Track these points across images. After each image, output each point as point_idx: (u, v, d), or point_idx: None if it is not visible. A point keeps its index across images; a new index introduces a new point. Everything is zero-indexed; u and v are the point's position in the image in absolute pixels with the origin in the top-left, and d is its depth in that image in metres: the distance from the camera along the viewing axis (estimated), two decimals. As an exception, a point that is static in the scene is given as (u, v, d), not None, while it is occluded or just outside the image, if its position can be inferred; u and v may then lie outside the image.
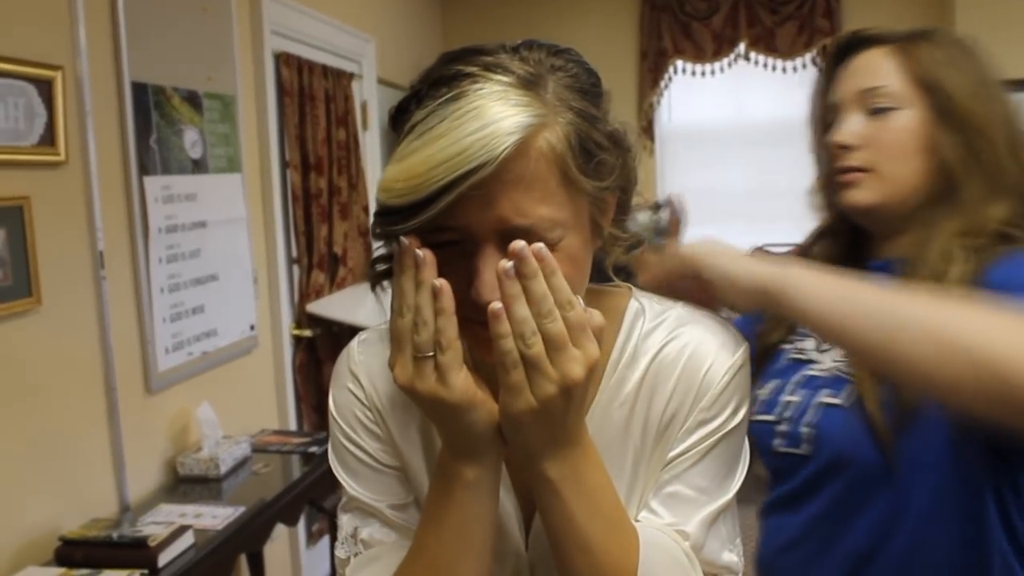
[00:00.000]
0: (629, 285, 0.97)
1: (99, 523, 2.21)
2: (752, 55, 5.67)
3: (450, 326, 0.77)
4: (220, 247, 2.99)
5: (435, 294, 0.77)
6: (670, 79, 5.70)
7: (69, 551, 2.09)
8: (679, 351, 0.91)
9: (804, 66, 5.68)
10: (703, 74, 5.70)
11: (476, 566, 0.86)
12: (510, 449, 0.84)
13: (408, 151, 0.77)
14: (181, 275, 2.76)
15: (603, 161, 0.83)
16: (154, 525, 2.18)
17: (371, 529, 0.94)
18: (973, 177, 1.20)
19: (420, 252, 0.77)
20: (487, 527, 0.86)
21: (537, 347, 0.77)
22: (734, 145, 5.62)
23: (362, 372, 0.96)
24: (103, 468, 2.42)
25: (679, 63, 5.66)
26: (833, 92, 1.32)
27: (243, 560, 2.92)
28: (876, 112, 1.25)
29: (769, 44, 5.62)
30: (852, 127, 1.27)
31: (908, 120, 1.24)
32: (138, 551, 2.05)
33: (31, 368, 2.17)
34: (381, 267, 0.87)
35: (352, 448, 0.95)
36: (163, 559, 2.06)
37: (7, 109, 2.07)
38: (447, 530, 0.85)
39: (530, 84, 0.80)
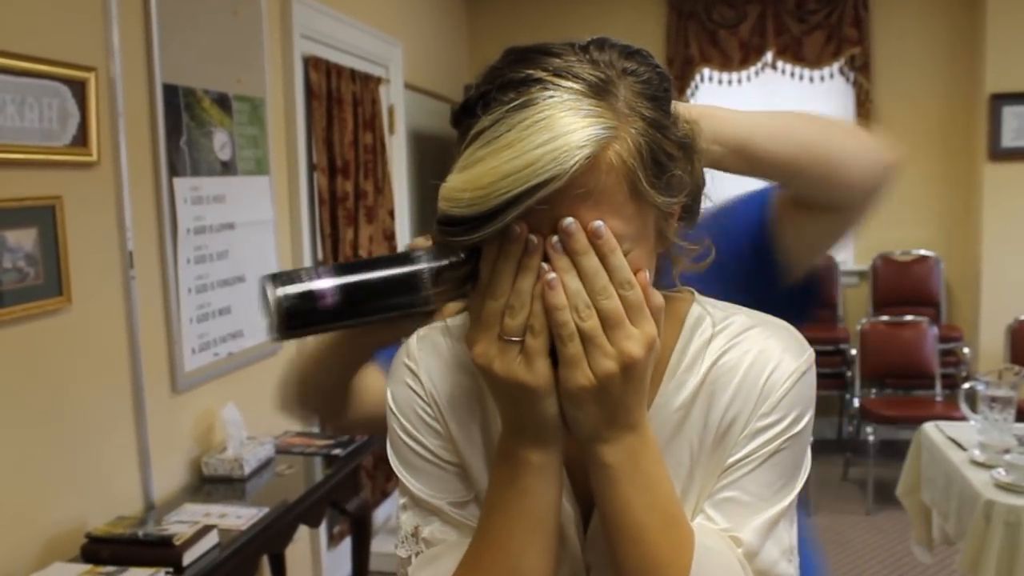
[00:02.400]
0: (691, 291, 0.95)
1: (125, 521, 2.23)
2: (779, 64, 5.65)
3: (544, 312, 0.78)
4: (247, 249, 3.00)
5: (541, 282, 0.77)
6: (697, 87, 5.69)
7: (95, 548, 2.11)
8: (740, 357, 0.89)
9: (831, 75, 5.65)
10: (730, 82, 5.69)
11: (545, 555, 0.85)
12: (571, 439, 0.83)
13: (473, 160, 0.76)
14: (208, 276, 2.78)
15: (675, 175, 0.82)
16: (179, 524, 2.19)
17: (432, 527, 0.92)
18: None
19: (534, 238, 0.77)
20: (554, 516, 0.85)
21: (592, 321, 0.77)
22: (760, 154, 5.58)
23: (421, 368, 0.95)
24: (129, 466, 2.43)
25: (706, 71, 5.66)
26: None
27: (265, 561, 2.94)
28: None
29: (796, 53, 5.60)
30: None
31: None
32: (163, 550, 2.07)
33: (60, 366, 2.19)
34: (451, 276, 0.86)
35: (412, 444, 0.94)
36: (188, 558, 2.07)
37: (41, 110, 2.10)
38: (514, 517, 0.84)
39: (601, 92, 0.78)
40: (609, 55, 0.82)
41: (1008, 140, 5.25)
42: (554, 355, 0.80)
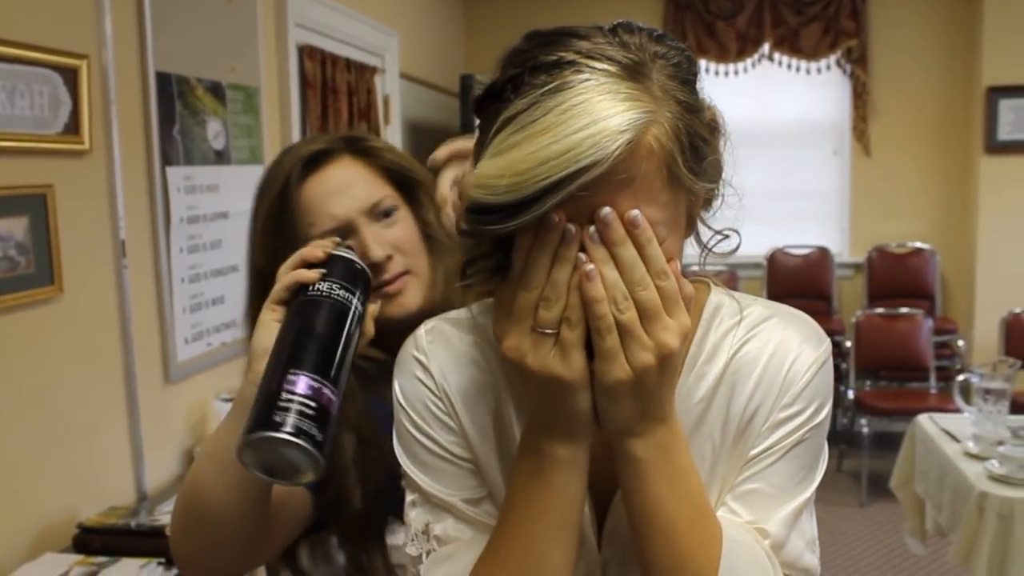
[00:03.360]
0: (710, 278, 0.93)
1: (117, 511, 2.22)
2: (776, 56, 5.65)
3: (580, 305, 0.76)
4: (241, 238, 2.95)
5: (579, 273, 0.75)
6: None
7: (87, 538, 2.10)
8: (760, 348, 0.88)
9: (828, 67, 5.65)
10: (727, 74, 5.68)
11: (569, 552, 0.83)
12: (598, 430, 0.82)
13: (508, 145, 0.73)
14: (202, 265, 2.77)
15: (711, 160, 0.80)
16: (171, 514, 2.18)
17: (445, 524, 0.90)
18: None
19: (572, 228, 0.75)
20: (579, 512, 0.84)
21: (630, 313, 0.75)
22: (757, 146, 5.60)
23: (432, 362, 0.92)
24: (121, 457, 2.43)
25: (702, 63, 5.63)
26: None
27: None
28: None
29: (793, 45, 5.59)
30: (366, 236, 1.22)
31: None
32: (156, 540, 2.06)
33: (52, 356, 2.18)
34: (480, 266, 0.82)
35: (423, 439, 0.91)
36: (179, 548, 2.07)
37: (32, 97, 2.08)
38: (539, 513, 0.82)
39: (636, 74, 0.75)
40: (639, 38, 0.79)
41: (1004, 133, 5.25)
42: (586, 347, 0.78)
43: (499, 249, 0.80)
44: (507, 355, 0.79)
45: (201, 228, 2.76)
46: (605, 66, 0.74)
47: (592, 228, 0.75)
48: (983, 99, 5.26)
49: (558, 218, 0.74)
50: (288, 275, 1.04)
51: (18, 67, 2.03)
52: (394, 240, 1.22)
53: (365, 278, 1.09)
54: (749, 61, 5.67)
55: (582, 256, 0.75)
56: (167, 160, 2.59)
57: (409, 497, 0.93)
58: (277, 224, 1.23)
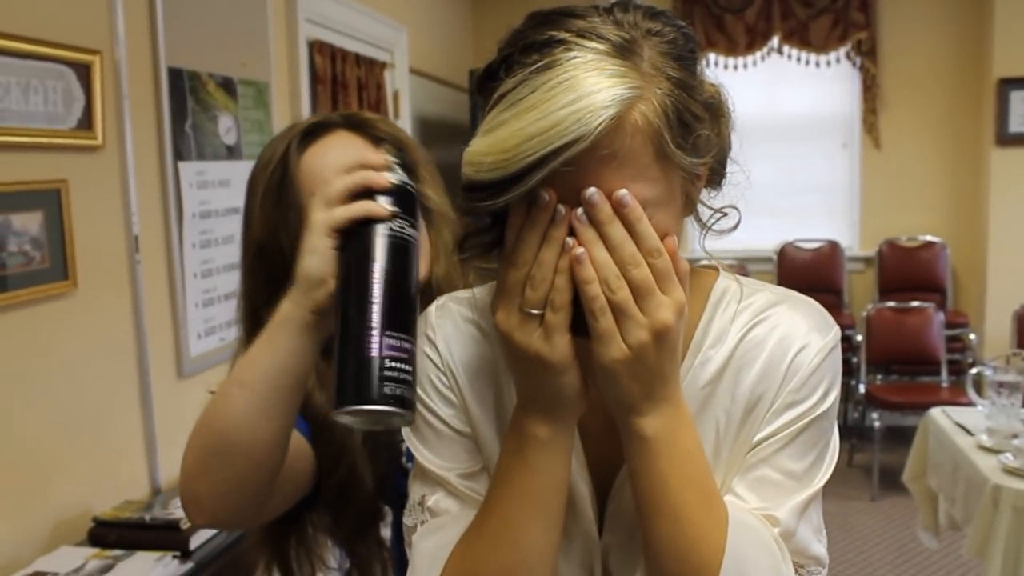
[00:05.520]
0: (718, 263, 0.93)
1: (131, 505, 2.23)
2: (785, 49, 5.62)
3: (568, 287, 0.77)
4: (252, 234, 2.99)
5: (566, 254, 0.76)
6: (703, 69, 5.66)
7: (102, 532, 2.11)
8: (767, 333, 0.88)
9: (838, 60, 5.62)
10: (736, 67, 5.67)
11: (546, 534, 0.84)
12: (587, 414, 0.82)
13: (496, 123, 0.74)
14: (214, 261, 2.77)
15: (701, 136, 0.80)
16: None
17: (437, 497, 0.91)
18: None
19: (562, 208, 0.76)
20: (559, 493, 0.84)
21: (623, 292, 0.76)
22: (766, 139, 5.58)
23: (439, 337, 0.94)
24: (135, 451, 2.43)
25: (712, 56, 5.62)
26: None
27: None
28: None
29: (803, 38, 5.57)
30: None
31: None
32: (170, 533, 2.07)
33: (66, 350, 2.18)
34: (476, 241, 0.84)
35: (425, 413, 0.92)
36: (195, 542, 2.07)
37: (46, 93, 2.09)
38: (518, 492, 0.83)
39: (626, 52, 0.76)
40: (633, 16, 0.80)
41: (1016, 125, 5.23)
42: (576, 327, 0.78)
43: (495, 225, 0.82)
44: (497, 327, 0.80)
45: (213, 223, 2.77)
46: (595, 44, 0.75)
47: (580, 210, 0.76)
48: (994, 91, 5.24)
49: (548, 196, 0.76)
50: (359, 206, 0.92)
51: (32, 63, 2.04)
52: None
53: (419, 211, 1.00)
54: (758, 54, 5.65)
55: (570, 240, 0.76)
56: (179, 155, 2.59)
57: (412, 470, 0.95)
58: (277, 196, 1.22)
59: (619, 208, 0.76)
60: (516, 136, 0.72)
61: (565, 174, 0.74)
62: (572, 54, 0.74)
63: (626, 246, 0.76)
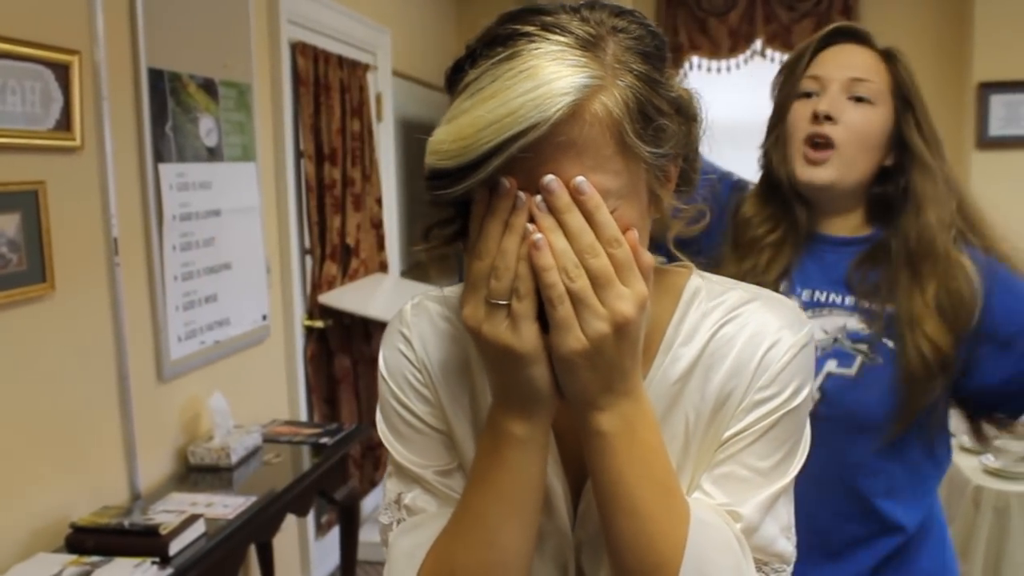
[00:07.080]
0: (690, 264, 0.93)
1: (110, 511, 2.20)
2: (768, 52, 5.64)
3: (531, 275, 0.76)
4: (234, 236, 2.98)
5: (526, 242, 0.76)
6: (685, 75, 5.66)
7: (80, 538, 2.09)
8: (738, 330, 0.88)
9: (820, 63, 5.64)
10: (719, 70, 5.67)
11: (521, 532, 0.84)
12: (561, 411, 0.82)
13: (458, 112, 0.75)
14: (194, 263, 2.75)
15: (662, 127, 0.80)
16: (165, 514, 2.17)
17: (414, 494, 0.92)
18: (929, 177, 1.47)
19: (522, 195, 0.76)
20: (535, 491, 0.84)
21: (581, 281, 0.75)
22: (749, 142, 5.57)
23: (415, 335, 0.94)
24: (114, 456, 2.41)
25: (695, 59, 5.64)
26: (819, 68, 1.50)
27: (252, 550, 2.92)
28: (857, 100, 1.45)
29: (786, 41, 5.58)
30: (837, 103, 1.44)
31: (880, 116, 1.45)
32: (149, 539, 2.04)
33: (44, 354, 2.16)
34: (441, 232, 0.85)
35: (400, 410, 0.93)
36: (174, 547, 2.05)
37: (24, 93, 2.06)
38: (493, 491, 0.83)
39: (589, 45, 0.76)
40: (600, 14, 0.81)
41: (996, 129, 5.25)
42: (543, 319, 0.78)
43: (459, 216, 0.82)
44: (465, 323, 0.80)
45: (194, 225, 2.75)
46: (559, 37, 0.76)
47: (539, 197, 0.75)
48: (975, 94, 5.27)
49: (508, 183, 0.76)
50: None
51: (9, 63, 2.02)
52: (847, 116, 1.49)
53: None
54: (741, 57, 5.66)
55: (530, 226, 0.76)
56: (159, 157, 2.57)
57: (389, 468, 0.96)
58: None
59: (577, 195, 0.75)
60: (475, 123, 0.72)
61: (525, 161, 0.74)
62: (535, 45, 0.75)
63: (584, 235, 0.75)
